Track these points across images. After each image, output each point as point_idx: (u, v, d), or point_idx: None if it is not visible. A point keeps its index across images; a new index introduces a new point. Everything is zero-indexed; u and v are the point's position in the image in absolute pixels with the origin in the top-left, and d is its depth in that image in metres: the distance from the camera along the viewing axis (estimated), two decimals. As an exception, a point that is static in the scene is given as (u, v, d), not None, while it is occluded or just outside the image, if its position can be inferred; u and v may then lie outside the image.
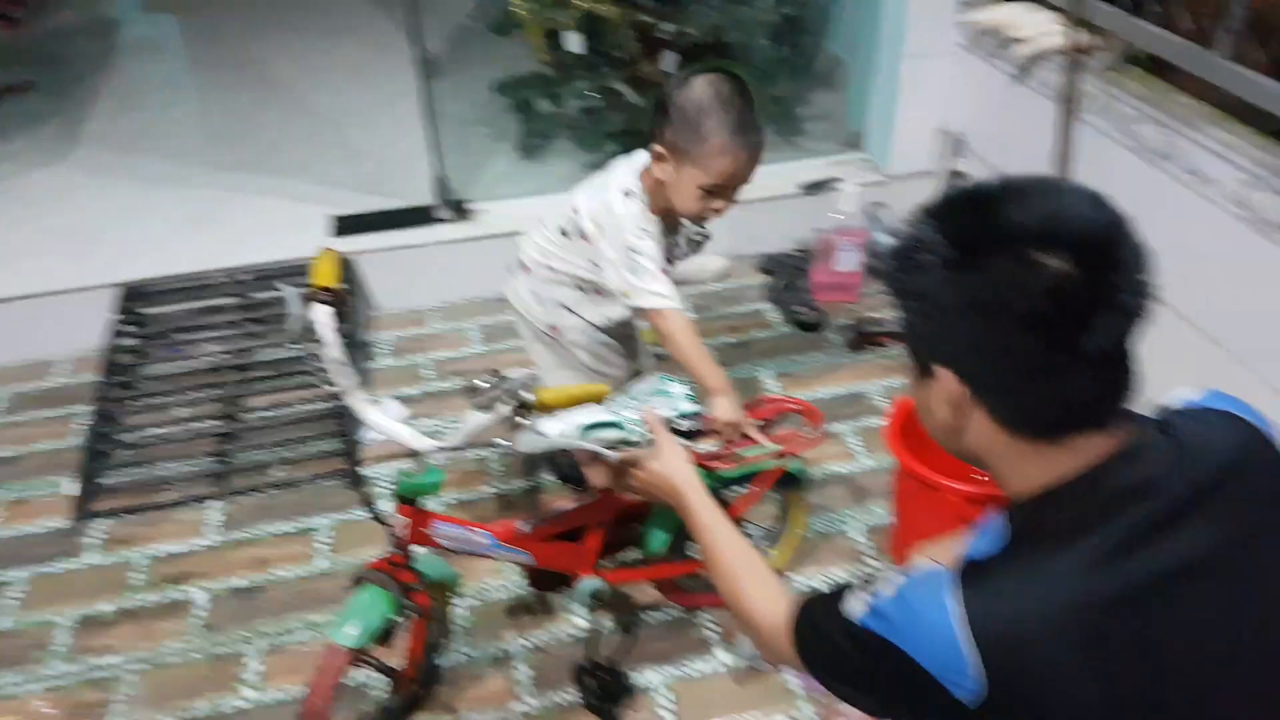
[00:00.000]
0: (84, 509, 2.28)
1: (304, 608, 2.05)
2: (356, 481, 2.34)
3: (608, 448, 1.55)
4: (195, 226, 3.08)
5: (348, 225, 2.98)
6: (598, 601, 1.76)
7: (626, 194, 1.78)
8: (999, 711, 0.92)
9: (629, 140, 3.18)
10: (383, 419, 1.53)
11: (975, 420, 1.01)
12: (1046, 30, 2.59)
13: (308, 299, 1.53)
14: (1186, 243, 2.02)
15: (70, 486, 2.33)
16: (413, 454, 1.54)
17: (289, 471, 2.39)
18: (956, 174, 2.63)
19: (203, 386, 2.60)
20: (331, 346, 1.49)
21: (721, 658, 1.91)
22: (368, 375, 2.69)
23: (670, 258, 1.88)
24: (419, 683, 1.81)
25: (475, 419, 1.44)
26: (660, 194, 1.78)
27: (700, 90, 1.70)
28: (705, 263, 3.01)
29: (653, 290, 1.76)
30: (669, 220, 1.84)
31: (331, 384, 1.52)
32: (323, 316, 1.50)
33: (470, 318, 2.95)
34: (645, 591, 2.01)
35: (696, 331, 1.80)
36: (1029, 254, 0.93)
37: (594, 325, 1.97)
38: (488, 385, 1.39)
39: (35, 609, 2.07)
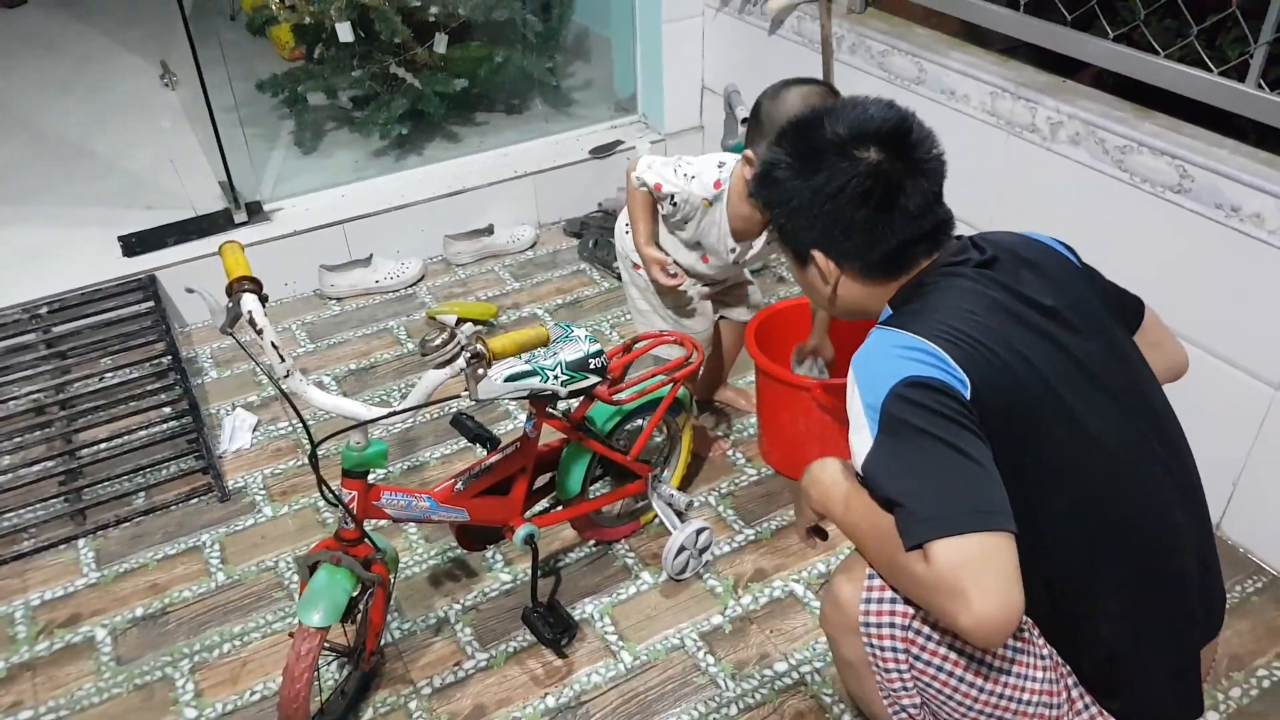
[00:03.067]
0: (-71, 576, 2.09)
1: (215, 621, 2.01)
2: (223, 497, 2.29)
3: (533, 392, 1.68)
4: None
5: (140, 242, 2.83)
6: (531, 546, 1.87)
7: (719, 165, 2.02)
8: (980, 396, 1.18)
9: (417, 120, 3.24)
10: (329, 398, 1.56)
11: (844, 284, 1.36)
12: (792, -17, 2.90)
13: (232, 291, 1.53)
14: (952, 153, 2.37)
15: (-97, 557, 2.13)
16: (360, 425, 1.58)
17: (150, 496, 2.29)
18: (744, 120, 2.88)
19: (26, 430, 2.42)
20: (268, 331, 1.50)
21: (645, 578, 2.07)
22: (201, 391, 2.61)
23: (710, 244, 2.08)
24: (380, 655, 1.84)
25: (431, 377, 1.51)
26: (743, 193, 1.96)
27: (787, 105, 1.84)
28: (518, 233, 3.12)
29: (648, 166, 2.03)
30: (738, 223, 2.03)
31: (269, 370, 1.53)
32: (253, 304, 1.51)
33: (289, 317, 2.91)
34: (563, 538, 2.14)
35: (646, 203, 2.07)
36: (848, 151, 1.28)
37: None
38: (444, 342, 1.46)
39: (-92, 686, 1.90)
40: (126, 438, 2.42)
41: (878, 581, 1.31)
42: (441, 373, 1.49)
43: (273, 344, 1.50)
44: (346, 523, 1.65)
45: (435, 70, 3.19)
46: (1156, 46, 2.08)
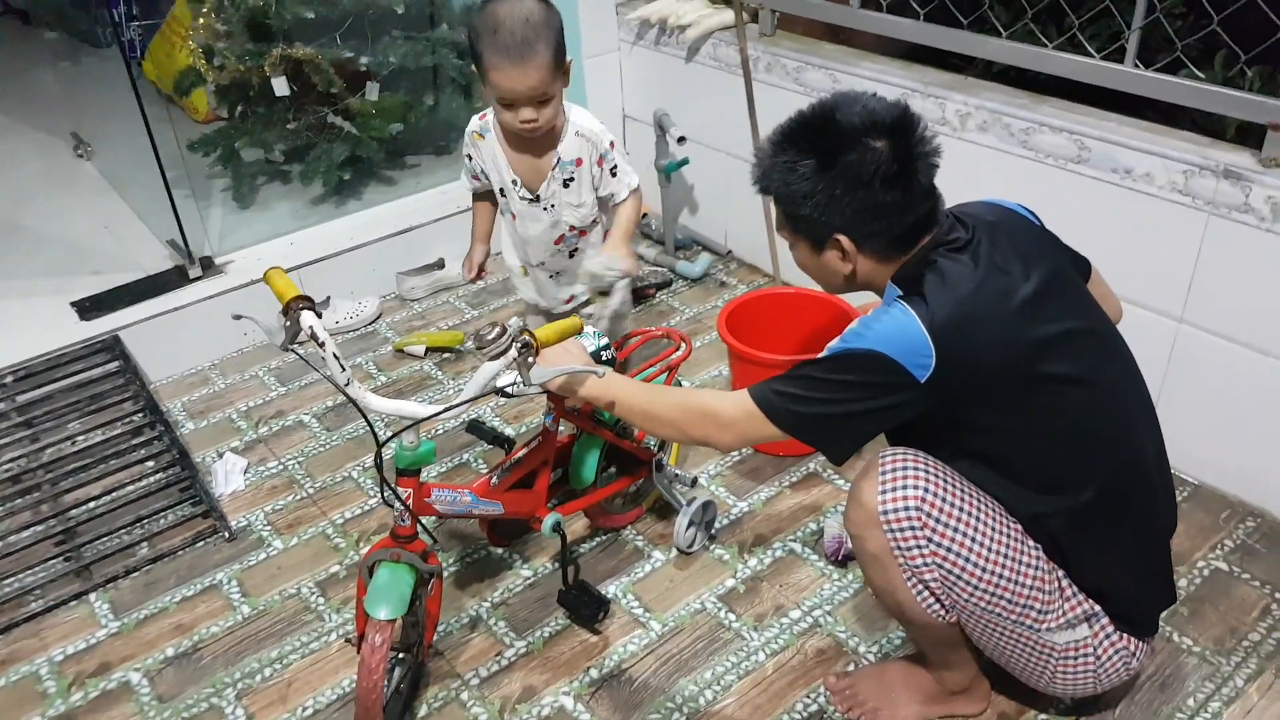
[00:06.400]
0: (-56, 646, 2.08)
1: (250, 650, 2.06)
2: (230, 536, 2.34)
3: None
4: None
5: (95, 305, 2.85)
6: (559, 532, 2.00)
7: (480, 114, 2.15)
8: (941, 375, 1.44)
9: (355, 166, 3.35)
10: (387, 401, 1.67)
11: (861, 262, 1.56)
12: (705, 14, 3.15)
13: (289, 310, 1.63)
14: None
15: (-88, 631, 2.11)
16: (415, 423, 1.70)
17: (154, 545, 2.32)
18: (682, 139, 3.10)
19: (10, 497, 2.41)
20: (329, 344, 1.61)
21: (657, 556, 2.22)
22: (182, 442, 2.63)
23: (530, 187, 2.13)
24: (433, 649, 1.94)
25: (485, 369, 1.64)
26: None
27: (479, 18, 1.90)
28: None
29: None
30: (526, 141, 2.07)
31: (334, 380, 1.63)
32: (312, 320, 1.62)
33: (256, 364, 2.96)
34: (574, 529, 2.28)
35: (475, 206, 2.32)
36: (865, 142, 1.47)
37: None
38: (497, 336, 1.60)
39: (-49, 752, 1.89)
40: (118, 493, 2.44)
41: (890, 475, 1.53)
42: (496, 363, 1.61)
43: (334, 355, 1.61)
44: (403, 520, 1.75)
45: (368, 118, 3.31)
46: (1045, 40, 2.39)
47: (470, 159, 2.20)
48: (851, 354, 1.47)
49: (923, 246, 1.53)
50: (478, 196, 2.30)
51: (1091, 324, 1.57)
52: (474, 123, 2.16)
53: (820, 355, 1.51)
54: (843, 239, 1.53)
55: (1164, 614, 1.99)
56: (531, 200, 2.14)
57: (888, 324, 1.47)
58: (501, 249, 2.34)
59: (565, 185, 2.11)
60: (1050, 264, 1.56)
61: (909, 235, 1.53)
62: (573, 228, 2.18)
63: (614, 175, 2.13)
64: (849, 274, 1.58)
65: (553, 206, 2.14)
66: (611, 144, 2.11)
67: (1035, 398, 1.48)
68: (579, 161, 2.10)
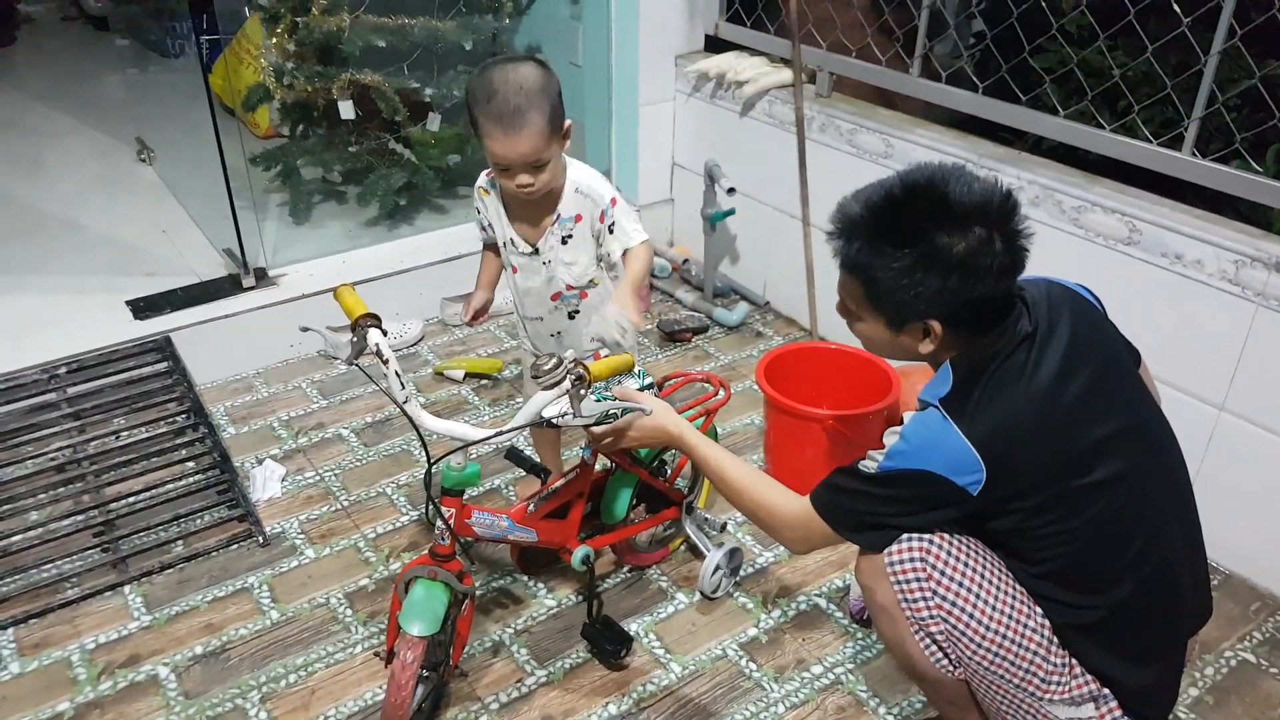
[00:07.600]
0: (-22, 625, 2.11)
1: (277, 655, 2.09)
2: (264, 542, 2.37)
3: (608, 415, 1.85)
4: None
5: (150, 306, 2.92)
6: (588, 566, 2.03)
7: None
8: (993, 487, 1.45)
9: (414, 193, 3.43)
10: (440, 421, 1.71)
11: (943, 342, 1.51)
12: (764, 71, 3.22)
13: (357, 328, 1.68)
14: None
15: (-52, 608, 2.15)
16: (466, 445, 1.73)
17: (189, 544, 2.36)
18: (731, 190, 3.16)
19: (53, 486, 2.46)
20: (393, 362, 1.66)
21: (681, 598, 2.24)
22: (224, 446, 2.68)
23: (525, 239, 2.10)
24: (459, 670, 1.96)
25: (538, 398, 1.68)
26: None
27: (476, 82, 1.89)
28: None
29: None
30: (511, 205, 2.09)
31: (393, 396, 1.68)
32: (378, 338, 1.66)
33: (299, 376, 3.01)
34: (599, 564, 2.29)
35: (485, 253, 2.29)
36: (974, 231, 1.42)
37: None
38: (554, 367, 1.64)
39: (-23, 729, 1.92)
40: (157, 490, 2.48)
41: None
42: (550, 393, 1.65)
43: (396, 373, 1.66)
44: (443, 539, 1.78)
45: (426, 147, 3.39)
46: (1101, 121, 2.43)
47: (479, 211, 2.18)
48: (903, 474, 1.49)
49: (994, 333, 1.50)
50: (486, 246, 2.26)
51: (1139, 419, 1.57)
52: (481, 178, 2.14)
53: (872, 471, 1.53)
54: (935, 324, 1.47)
55: (1188, 702, 2.00)
56: (531, 254, 2.11)
57: (930, 439, 1.47)
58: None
59: (564, 242, 2.08)
60: (1104, 354, 1.56)
61: (995, 321, 1.50)
62: (570, 286, 2.13)
63: (611, 233, 2.05)
64: (927, 354, 1.53)
65: (549, 263, 2.11)
66: (614, 201, 2.05)
67: (1072, 501, 1.49)
68: (578, 218, 2.06)
